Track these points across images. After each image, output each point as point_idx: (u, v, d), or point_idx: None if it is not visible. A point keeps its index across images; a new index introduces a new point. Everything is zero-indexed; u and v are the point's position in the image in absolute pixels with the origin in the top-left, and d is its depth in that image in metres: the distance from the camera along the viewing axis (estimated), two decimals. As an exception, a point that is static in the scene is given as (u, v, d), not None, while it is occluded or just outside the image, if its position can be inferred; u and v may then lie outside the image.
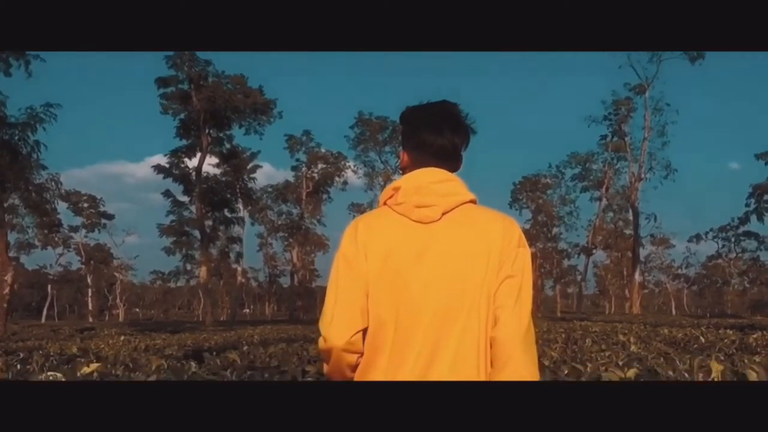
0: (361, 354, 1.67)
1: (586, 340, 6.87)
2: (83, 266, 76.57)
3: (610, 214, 64.36)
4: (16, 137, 19.87)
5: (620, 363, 4.37)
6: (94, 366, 3.27)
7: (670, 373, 3.23)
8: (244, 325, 30.06)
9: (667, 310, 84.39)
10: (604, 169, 60.14)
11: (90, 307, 75.58)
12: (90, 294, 76.72)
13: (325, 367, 1.78)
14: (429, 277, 1.63)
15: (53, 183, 20.76)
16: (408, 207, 1.68)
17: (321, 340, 1.69)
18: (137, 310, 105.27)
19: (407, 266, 1.64)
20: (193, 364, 4.35)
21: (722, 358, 4.64)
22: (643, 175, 51.90)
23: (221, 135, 38.18)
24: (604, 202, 61.66)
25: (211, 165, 39.06)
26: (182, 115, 36.40)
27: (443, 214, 1.67)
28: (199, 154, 36.16)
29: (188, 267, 53.24)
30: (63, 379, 3.00)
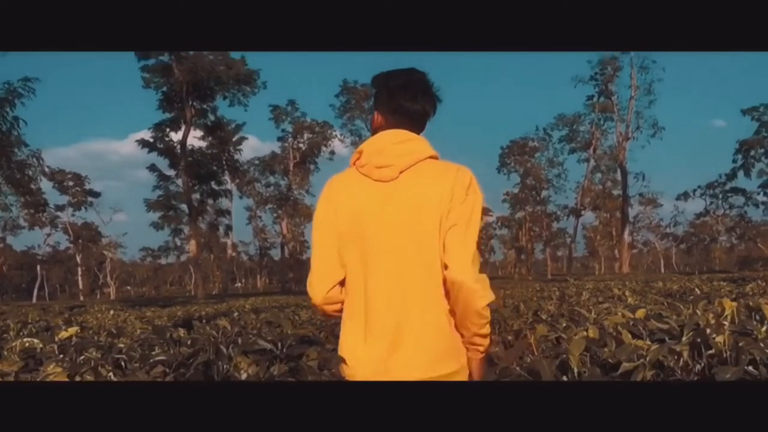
0: (342, 302, 1.91)
1: (583, 293, 6.78)
2: (71, 245, 76.07)
3: (598, 174, 64.37)
4: (-6, 114, 19.44)
5: (619, 314, 4.25)
6: (72, 330, 3.13)
7: (675, 317, 3.11)
8: (236, 297, 29.96)
9: (656, 269, 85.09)
10: (591, 130, 59.95)
11: (80, 287, 75.30)
12: (80, 273, 76.37)
13: None
14: (389, 231, 1.82)
15: (35, 159, 20.33)
16: (369, 168, 1.85)
17: (309, 297, 1.93)
18: (128, 288, 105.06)
19: (370, 222, 1.83)
20: (181, 330, 4.21)
21: (724, 303, 4.53)
22: (630, 134, 51.91)
23: (205, 107, 37.58)
24: (592, 163, 61.59)
25: (196, 138, 38.60)
26: (164, 88, 35.79)
27: (400, 172, 1.83)
28: (183, 127, 35.64)
29: (177, 242, 52.84)
30: (40, 345, 2.85)
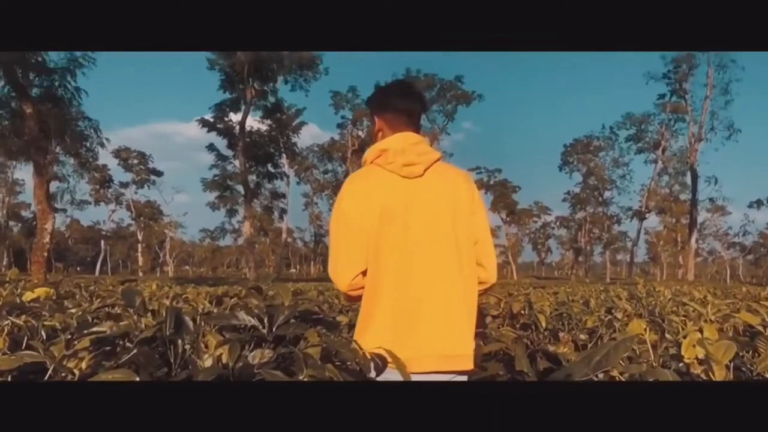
0: (362, 287, 2.06)
1: (665, 292, 5.93)
2: (133, 222, 77.84)
3: (666, 177, 61.83)
4: (56, 83, 19.53)
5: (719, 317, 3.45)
6: (40, 291, 2.61)
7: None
8: (287, 281, 29.75)
9: (721, 279, 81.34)
10: (660, 130, 57.48)
11: (140, 263, 76.96)
12: (140, 250, 78.04)
13: None
14: (417, 219, 2.04)
15: (92, 131, 20.36)
16: (397, 166, 2.07)
17: (333, 283, 2.09)
18: (187, 267, 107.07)
19: (399, 212, 2.03)
20: (208, 304, 3.60)
21: None
22: (703, 136, 49.39)
23: (265, 88, 37.52)
24: (660, 164, 59.09)
25: (255, 120, 38.66)
26: (227, 69, 35.85)
27: (425, 170, 2.09)
28: (243, 108, 35.66)
29: (235, 225, 53.19)
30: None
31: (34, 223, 23.11)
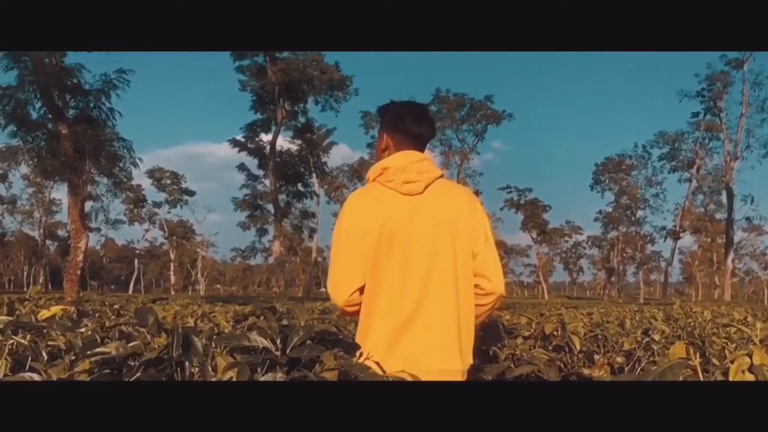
0: (359, 304, 2.10)
1: (705, 312, 5.71)
2: (167, 241, 78.86)
3: (700, 196, 60.72)
4: (91, 105, 19.91)
5: None
6: (56, 309, 2.55)
7: None
8: (316, 300, 29.67)
9: (758, 300, 79.19)
10: (694, 149, 56.54)
11: (172, 282, 77.76)
12: (172, 269, 78.91)
13: None
14: (417, 235, 2.07)
15: (126, 151, 20.67)
16: (398, 183, 2.11)
17: (331, 298, 2.16)
18: (218, 286, 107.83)
19: (400, 229, 2.07)
20: (224, 323, 3.53)
21: None
22: (739, 154, 48.44)
23: (296, 108, 37.88)
24: (694, 183, 58.06)
25: (286, 140, 39.04)
26: (258, 90, 36.30)
27: (425, 187, 2.12)
28: (274, 128, 36.05)
29: (264, 243, 53.51)
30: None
31: (69, 242, 23.45)
